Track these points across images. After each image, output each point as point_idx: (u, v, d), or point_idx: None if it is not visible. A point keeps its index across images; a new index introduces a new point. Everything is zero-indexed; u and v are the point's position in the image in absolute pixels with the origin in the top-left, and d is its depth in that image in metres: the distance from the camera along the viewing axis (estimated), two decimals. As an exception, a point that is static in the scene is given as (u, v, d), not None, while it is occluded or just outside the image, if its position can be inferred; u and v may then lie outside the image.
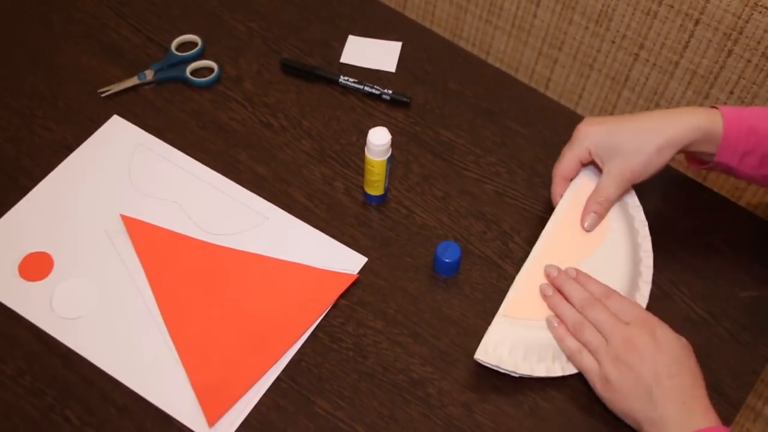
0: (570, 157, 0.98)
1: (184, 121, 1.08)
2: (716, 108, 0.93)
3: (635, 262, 0.97)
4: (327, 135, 1.08)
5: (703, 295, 0.99)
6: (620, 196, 0.97)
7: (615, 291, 0.91)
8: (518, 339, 0.90)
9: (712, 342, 0.96)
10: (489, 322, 0.93)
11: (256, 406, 0.88)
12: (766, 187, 1.00)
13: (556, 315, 0.91)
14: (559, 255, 0.94)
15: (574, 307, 0.91)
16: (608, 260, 0.96)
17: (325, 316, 0.94)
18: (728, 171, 0.96)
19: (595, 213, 0.97)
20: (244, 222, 1.00)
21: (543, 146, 1.09)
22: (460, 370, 0.92)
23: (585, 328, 0.89)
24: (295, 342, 0.92)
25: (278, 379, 0.90)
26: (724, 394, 0.92)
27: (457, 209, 1.03)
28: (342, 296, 0.96)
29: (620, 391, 0.85)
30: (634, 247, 0.97)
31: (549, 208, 1.02)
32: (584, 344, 0.88)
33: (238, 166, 1.04)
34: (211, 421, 0.87)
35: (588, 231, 0.97)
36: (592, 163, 0.99)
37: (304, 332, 0.93)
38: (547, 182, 1.05)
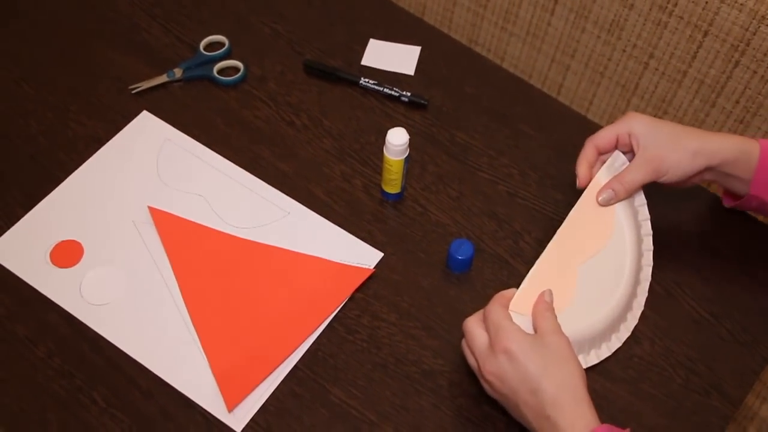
0: (610, 130, 0.95)
1: (211, 118, 1.08)
2: (756, 139, 0.93)
3: (638, 258, 0.96)
4: (347, 134, 1.08)
5: (706, 296, 0.99)
6: (642, 184, 0.94)
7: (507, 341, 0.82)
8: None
9: (713, 342, 0.96)
10: None
11: (273, 392, 0.89)
12: None
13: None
14: (569, 253, 0.93)
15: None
16: (614, 257, 0.94)
17: (341, 308, 0.95)
18: (763, 207, 0.94)
19: (614, 191, 0.94)
20: (266, 216, 1.00)
21: (554, 149, 1.09)
22: None
23: (467, 355, 0.87)
24: (312, 332, 0.93)
25: (295, 367, 0.91)
26: (724, 392, 0.92)
27: (471, 208, 1.03)
28: (358, 290, 0.96)
29: (507, 406, 0.84)
30: (638, 244, 0.96)
31: (559, 210, 1.03)
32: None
33: (261, 163, 1.05)
34: (231, 406, 0.87)
35: (602, 205, 0.95)
36: (627, 150, 0.96)
37: (321, 323, 0.93)
38: (557, 184, 1.06)
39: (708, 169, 0.93)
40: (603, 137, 0.95)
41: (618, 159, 0.97)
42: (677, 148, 0.92)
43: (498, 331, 0.82)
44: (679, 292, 0.99)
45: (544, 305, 0.85)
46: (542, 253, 0.91)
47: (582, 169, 0.96)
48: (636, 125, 0.94)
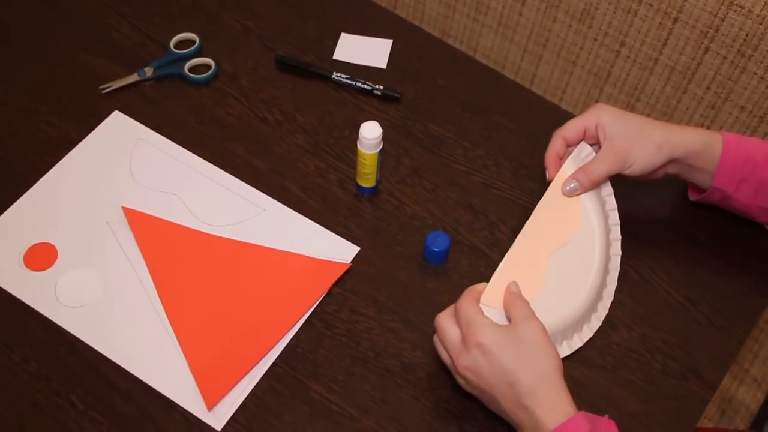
0: (577, 122, 0.95)
1: (183, 116, 1.07)
2: (720, 132, 0.93)
3: (606, 248, 0.96)
4: (321, 129, 1.07)
5: (681, 281, 0.99)
6: (608, 175, 0.94)
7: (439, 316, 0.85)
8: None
9: (690, 326, 0.96)
10: None
11: (253, 390, 0.89)
12: (760, 220, 0.98)
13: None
14: (538, 245, 0.93)
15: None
16: (583, 247, 0.94)
17: (319, 303, 0.94)
18: (725, 200, 0.95)
19: (579, 182, 0.94)
20: (241, 213, 1.00)
21: (528, 140, 1.08)
22: None
23: (440, 351, 0.86)
24: (290, 329, 0.92)
25: (274, 364, 0.90)
26: (702, 376, 0.93)
27: (446, 200, 1.03)
28: (335, 284, 0.96)
29: (483, 399, 0.83)
30: (606, 233, 0.96)
31: (534, 199, 1.00)
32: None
33: (235, 160, 1.04)
34: (210, 404, 0.87)
35: (567, 195, 0.95)
36: (594, 142, 0.96)
37: (299, 319, 0.93)
38: (532, 174, 1.05)
39: (672, 161, 0.93)
40: (570, 129, 0.95)
41: (584, 150, 0.96)
42: (643, 141, 0.92)
43: (469, 325, 0.81)
44: (654, 278, 0.99)
45: (514, 295, 0.85)
46: (512, 245, 0.91)
47: (550, 161, 0.96)
48: (603, 117, 0.93)
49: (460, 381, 0.84)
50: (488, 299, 0.86)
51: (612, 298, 0.96)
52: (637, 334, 0.95)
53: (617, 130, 0.93)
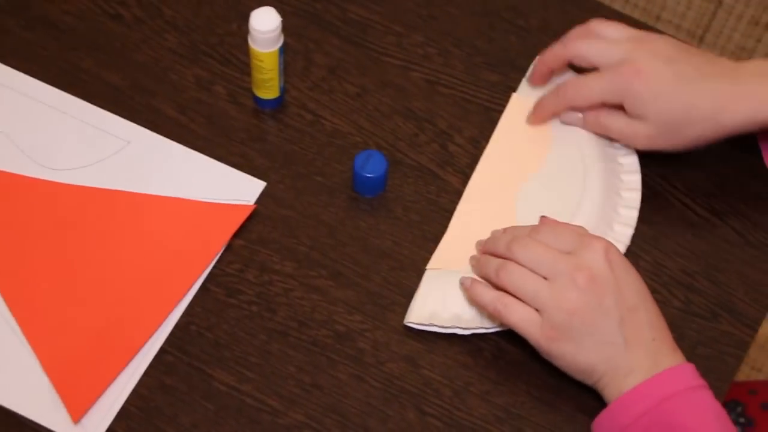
0: (601, 54, 0.95)
1: (1, 20, 1.06)
2: None
3: (605, 161, 0.99)
4: (197, 25, 1.07)
5: (702, 189, 1.00)
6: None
7: (546, 219, 0.90)
8: (453, 290, 0.91)
9: (718, 247, 0.97)
10: (430, 252, 0.94)
11: (135, 388, 0.89)
12: None
13: (479, 275, 0.91)
14: (499, 183, 0.97)
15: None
16: (563, 168, 0.98)
17: (216, 263, 0.95)
18: None
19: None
20: (97, 150, 1.00)
21: (483, 15, 1.09)
22: (399, 316, 0.93)
23: (512, 271, 0.87)
24: (178, 301, 0.93)
25: (161, 351, 0.90)
26: (737, 312, 0.94)
27: (378, 108, 1.04)
28: (236, 235, 0.96)
29: (575, 340, 0.85)
30: (599, 144, 1.00)
31: (497, 96, 1.04)
32: (516, 293, 0.86)
33: (82, 76, 1.03)
34: (76, 416, 0.87)
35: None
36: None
37: (190, 287, 0.93)
38: (492, 62, 1.06)
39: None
40: (591, 55, 0.96)
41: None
42: (690, 121, 0.94)
43: (584, 235, 0.87)
44: (666, 188, 1.00)
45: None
46: (464, 190, 0.96)
47: (542, 68, 1.00)
48: (635, 85, 0.94)
49: (545, 293, 0.85)
50: (441, 261, 0.90)
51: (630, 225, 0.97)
52: (647, 263, 0.96)
53: (653, 106, 0.93)
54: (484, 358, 0.91)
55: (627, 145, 0.99)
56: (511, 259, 0.87)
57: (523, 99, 1.01)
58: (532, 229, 0.88)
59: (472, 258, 0.92)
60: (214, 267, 0.94)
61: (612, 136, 0.98)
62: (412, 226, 0.97)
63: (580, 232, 0.87)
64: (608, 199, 0.97)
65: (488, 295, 0.87)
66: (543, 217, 0.90)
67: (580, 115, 0.99)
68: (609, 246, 0.86)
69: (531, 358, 0.90)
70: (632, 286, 0.85)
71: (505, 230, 0.90)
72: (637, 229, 0.97)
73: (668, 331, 0.86)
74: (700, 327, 0.93)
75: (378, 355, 0.91)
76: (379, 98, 1.04)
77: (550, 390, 0.90)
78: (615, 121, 0.96)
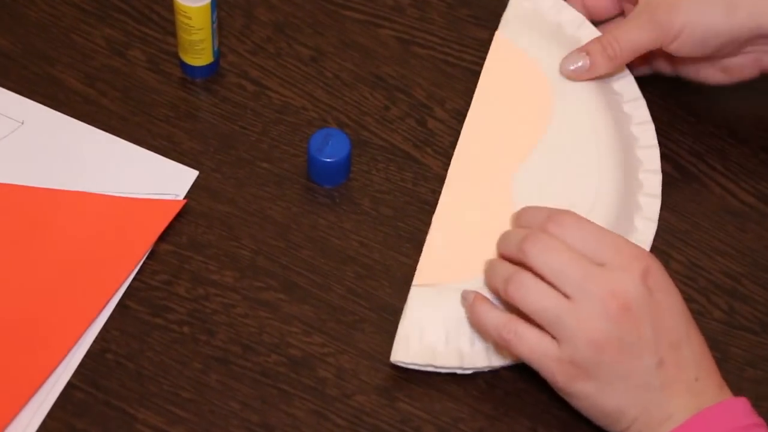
0: None
1: None
2: None
3: (622, 139, 0.99)
4: None
5: (747, 169, 1.00)
6: (639, 49, 0.97)
7: (569, 212, 0.88)
8: (453, 315, 0.90)
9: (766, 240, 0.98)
10: (406, 255, 0.94)
11: None
12: None
13: (489, 287, 0.90)
14: (487, 158, 0.96)
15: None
16: (568, 141, 0.98)
17: (136, 273, 0.94)
18: None
19: (591, 58, 0.98)
20: None
21: None
22: (369, 336, 0.92)
23: (525, 284, 0.84)
24: (90, 323, 0.91)
25: (69, 386, 0.89)
26: (795, 323, 0.95)
27: (338, 75, 1.04)
28: (161, 238, 0.95)
29: (601, 380, 0.82)
30: (615, 120, 1.00)
31: (485, 57, 1.02)
32: (528, 313, 0.84)
33: None
34: None
35: (570, 78, 0.99)
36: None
37: (105, 305, 0.92)
38: (479, 15, 1.07)
39: (763, 37, 0.96)
40: None
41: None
42: None
43: (623, 247, 0.84)
44: (702, 168, 1.01)
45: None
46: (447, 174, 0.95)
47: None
48: None
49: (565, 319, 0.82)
50: (432, 272, 0.90)
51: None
52: (679, 264, 0.96)
53: None
54: (476, 388, 0.90)
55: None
56: (524, 265, 0.83)
57: (509, 40, 1.01)
58: (550, 219, 0.85)
59: (486, 263, 0.89)
60: (135, 279, 0.94)
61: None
62: (383, 222, 0.96)
63: (617, 243, 0.84)
64: (627, 185, 0.97)
65: (493, 317, 0.84)
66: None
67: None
68: (652, 264, 0.83)
69: (536, 386, 0.89)
70: (675, 314, 0.83)
71: (518, 216, 0.89)
72: (664, 221, 0.98)
73: (714, 365, 0.84)
74: (748, 344, 0.93)
75: (343, 386, 0.90)
76: (340, 63, 1.05)
77: (561, 427, 0.89)
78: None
